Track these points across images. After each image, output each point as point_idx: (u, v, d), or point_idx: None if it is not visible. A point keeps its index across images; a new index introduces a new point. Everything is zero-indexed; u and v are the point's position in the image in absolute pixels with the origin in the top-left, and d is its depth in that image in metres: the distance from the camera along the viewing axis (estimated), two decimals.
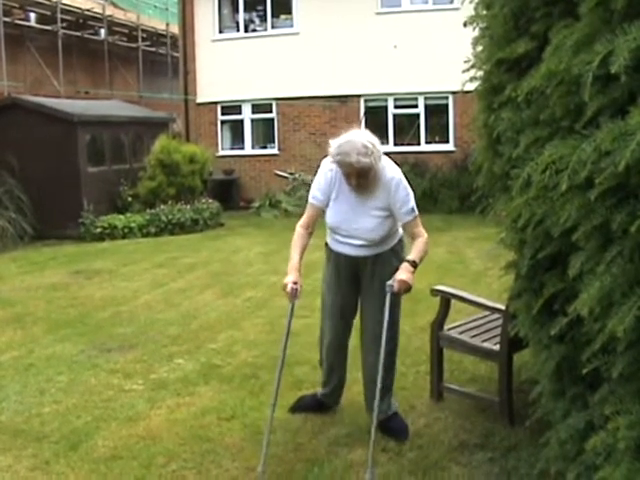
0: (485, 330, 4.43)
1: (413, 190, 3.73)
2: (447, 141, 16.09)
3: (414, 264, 3.51)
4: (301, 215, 3.85)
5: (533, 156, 2.03)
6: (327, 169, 3.59)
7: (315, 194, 3.65)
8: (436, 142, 16.27)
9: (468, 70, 2.98)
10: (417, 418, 4.13)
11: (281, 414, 4.27)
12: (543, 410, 2.70)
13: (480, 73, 2.92)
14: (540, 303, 2.38)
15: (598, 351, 1.88)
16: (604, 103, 1.73)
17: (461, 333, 4.43)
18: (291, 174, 15.81)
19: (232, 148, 17.69)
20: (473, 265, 9.03)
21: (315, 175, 3.80)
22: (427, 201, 14.33)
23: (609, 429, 1.83)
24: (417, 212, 3.59)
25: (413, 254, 3.54)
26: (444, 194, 14.69)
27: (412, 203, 3.57)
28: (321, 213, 3.70)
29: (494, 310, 4.26)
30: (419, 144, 16.13)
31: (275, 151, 17.08)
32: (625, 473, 1.80)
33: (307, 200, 3.82)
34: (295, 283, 3.46)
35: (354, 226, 3.59)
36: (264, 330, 6.31)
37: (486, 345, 4.19)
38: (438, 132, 16.34)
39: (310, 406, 4.22)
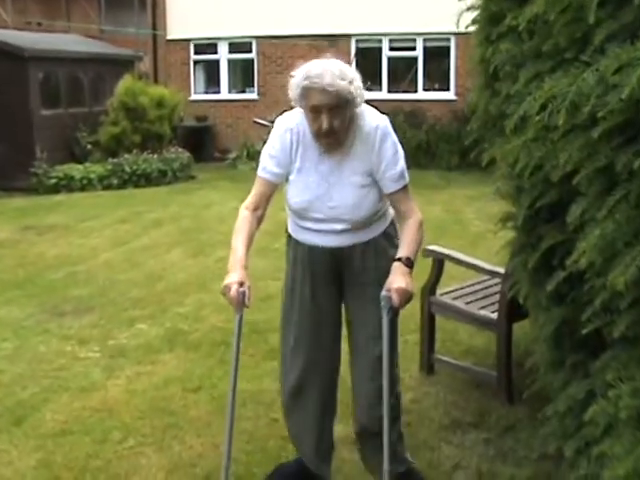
0: (482, 296, 4.37)
1: (405, 145, 3.18)
2: (447, 89, 15.76)
3: (409, 262, 2.90)
4: None
5: (532, 91, 1.98)
6: (284, 129, 2.99)
7: (267, 165, 3.01)
8: (435, 90, 15.95)
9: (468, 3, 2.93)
10: (404, 392, 3.97)
11: (253, 385, 4.21)
12: (541, 382, 2.67)
13: (479, 1, 2.85)
14: (537, 257, 2.34)
15: (600, 310, 1.86)
16: (614, 29, 1.69)
17: (455, 299, 4.37)
18: (272, 122, 14.39)
19: (206, 92, 17.43)
20: (472, 226, 8.98)
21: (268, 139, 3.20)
22: (423, 155, 14.23)
23: (610, 397, 1.82)
24: (408, 179, 3.02)
25: (405, 247, 2.93)
26: (442, 148, 14.39)
27: (402, 165, 2.96)
28: (274, 189, 3.10)
29: (492, 274, 4.20)
30: (416, 91, 15.87)
31: (254, 96, 16.78)
32: (627, 446, 1.79)
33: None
34: (241, 284, 2.79)
35: (329, 204, 2.96)
36: None
37: (483, 313, 4.13)
38: (438, 78, 16.00)
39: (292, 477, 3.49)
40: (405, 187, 2.97)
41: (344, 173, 2.92)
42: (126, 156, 13.33)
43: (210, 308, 5.88)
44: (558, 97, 1.79)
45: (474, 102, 3.10)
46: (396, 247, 3.02)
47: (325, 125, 2.75)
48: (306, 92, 2.74)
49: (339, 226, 2.98)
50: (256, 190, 3.04)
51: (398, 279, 2.81)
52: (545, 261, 2.40)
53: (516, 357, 4.12)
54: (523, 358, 3.95)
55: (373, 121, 2.92)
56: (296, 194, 2.99)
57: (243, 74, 17.24)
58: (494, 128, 2.83)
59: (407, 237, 2.93)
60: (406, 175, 2.96)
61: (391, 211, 3.10)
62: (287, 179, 3.01)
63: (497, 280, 4.22)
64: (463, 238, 8.23)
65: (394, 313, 2.93)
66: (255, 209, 3.00)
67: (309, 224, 3.02)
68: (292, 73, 2.80)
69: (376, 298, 2.89)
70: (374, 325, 2.94)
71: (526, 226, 2.54)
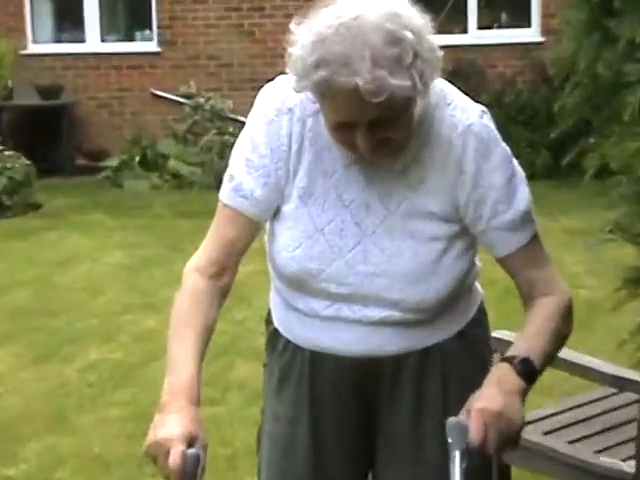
0: (602, 428, 3.45)
1: None
2: (525, 23, 10.91)
3: (525, 368, 1.99)
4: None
5: None
6: (275, 110, 2.15)
7: (244, 181, 2.16)
8: (501, 26, 11.39)
9: None
10: None
11: None
12: None
13: None
14: None
15: None
16: None
17: (549, 434, 3.42)
18: (188, 97, 10.73)
19: (58, 40, 11.52)
20: (579, 289, 6.59)
21: (245, 126, 2.19)
22: None
23: None
24: (537, 224, 2.22)
25: (524, 342, 2.08)
26: (519, 138, 9.25)
27: (524, 197, 2.14)
28: (255, 234, 2.23)
29: (620, 384, 3.39)
30: (465, 31, 10.89)
31: (153, 46, 11.18)
32: None
33: (220, 183, 2.21)
34: (191, 442, 1.86)
35: (362, 267, 2.12)
36: (133, 434, 4.35)
37: (606, 461, 3.22)
38: (507, 5, 11.62)
39: None
40: (535, 240, 2.17)
41: (398, 211, 2.14)
42: None
43: (71, 465, 4.13)
44: None
45: (567, 55, 2.66)
46: (490, 354, 2.41)
47: (364, 147, 1.95)
48: (323, 89, 1.91)
49: (377, 312, 2.16)
50: (220, 234, 2.18)
51: (488, 395, 1.93)
52: None
53: None
54: None
55: (458, 117, 2.07)
56: (295, 245, 2.16)
57: (128, 4, 11.92)
58: (607, 108, 2.55)
59: (533, 327, 2.09)
60: (532, 216, 2.17)
61: (478, 285, 2.37)
62: (276, 213, 2.19)
63: (631, 396, 3.42)
64: None
65: (475, 460, 1.93)
66: (218, 274, 2.15)
67: (316, 304, 2.18)
68: (295, 25, 1.93)
69: (443, 467, 1.96)
70: None
71: None
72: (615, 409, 3.63)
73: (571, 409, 3.72)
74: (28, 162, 9.26)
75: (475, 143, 2.03)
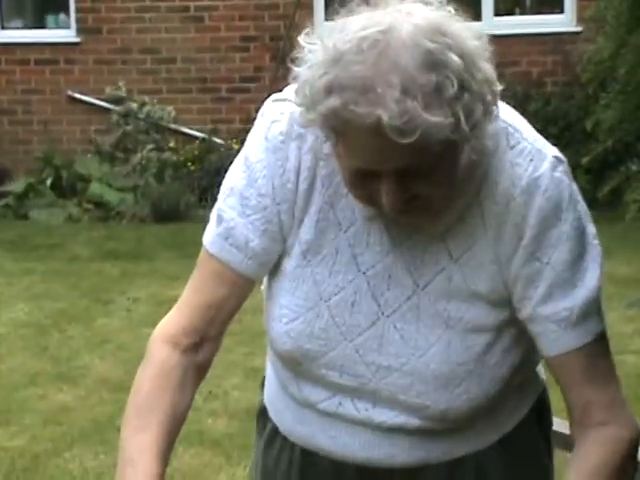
0: None
1: None
2: (557, 9, 10.66)
3: None
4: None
5: None
6: (280, 137, 2.16)
7: (234, 226, 2.20)
8: (525, 12, 11.12)
9: None
10: None
11: None
12: None
13: None
14: None
15: None
16: None
17: None
18: (115, 102, 10.53)
19: None
20: (627, 354, 6.77)
21: (239, 154, 2.25)
22: None
23: None
24: (605, 321, 2.23)
25: None
26: None
27: (594, 283, 2.15)
28: (246, 294, 2.24)
29: None
30: (479, 18, 10.32)
31: (70, 35, 10.89)
32: None
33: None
34: None
35: (378, 359, 2.21)
36: None
37: None
38: None
39: None
40: (599, 341, 2.13)
41: (431, 287, 2.15)
42: None
43: None
44: None
45: (607, 54, 2.92)
46: (550, 455, 2.43)
47: (389, 205, 1.98)
48: (335, 124, 1.89)
49: (391, 416, 2.18)
50: (201, 293, 2.20)
51: None
52: None
53: None
54: None
55: (523, 166, 2.09)
56: (292, 315, 2.19)
57: None
58: None
59: (588, 467, 2.10)
60: (601, 311, 2.13)
61: (541, 371, 2.40)
62: (274, 271, 2.22)
63: None
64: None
65: None
66: (195, 345, 2.17)
67: (313, 394, 2.20)
68: (304, 37, 1.91)
69: None
70: None
71: None
72: None
73: None
74: None
75: (541, 201, 2.01)
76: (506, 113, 2.13)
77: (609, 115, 2.79)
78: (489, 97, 1.90)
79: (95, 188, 10.16)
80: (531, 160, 2.04)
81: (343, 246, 2.13)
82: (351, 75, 1.80)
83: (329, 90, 1.80)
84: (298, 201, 2.09)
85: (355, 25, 1.84)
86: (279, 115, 2.08)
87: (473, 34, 1.91)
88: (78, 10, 10.86)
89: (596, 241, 2.11)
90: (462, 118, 1.83)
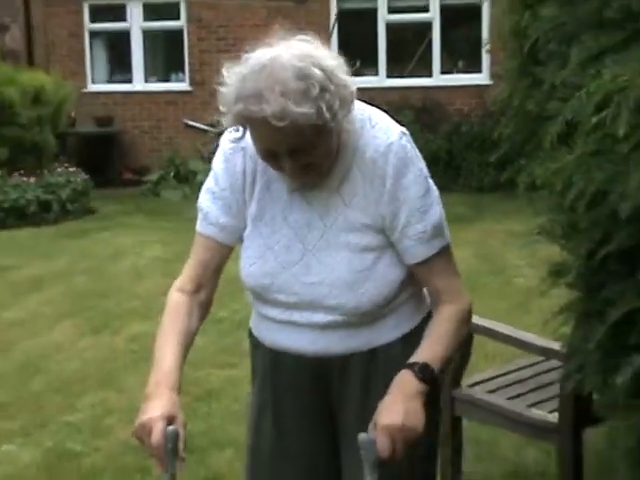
0: (534, 387, 3.98)
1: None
2: (477, 69, 13.70)
3: (426, 375, 2.27)
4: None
5: (589, 78, 1.86)
6: (232, 148, 2.45)
7: (210, 212, 2.47)
8: (459, 71, 14.11)
9: None
10: None
11: None
12: None
13: None
14: (604, 331, 2.15)
15: None
16: None
17: (492, 392, 3.97)
18: (212, 126, 12.18)
19: (110, 80, 15.13)
20: (518, 278, 8.37)
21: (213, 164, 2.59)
22: (442, 172, 12.30)
23: None
24: (448, 237, 2.46)
25: (426, 348, 2.32)
26: (471, 160, 12.86)
27: (437, 213, 2.37)
28: (226, 254, 2.54)
29: (547, 353, 3.78)
30: (430, 75, 13.83)
31: (185, 86, 14.57)
32: None
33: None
34: (170, 421, 2.18)
35: (306, 279, 2.40)
36: None
37: (536, 413, 3.75)
38: (463, 54, 14.22)
39: None
40: (443, 252, 2.38)
41: (335, 226, 2.39)
42: None
43: (118, 415, 5.14)
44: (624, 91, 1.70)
45: (505, 95, 3.00)
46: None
47: (290, 171, 2.25)
48: (242, 121, 2.20)
49: (322, 317, 2.40)
50: (196, 257, 2.50)
51: (391, 407, 2.18)
52: (617, 337, 2.19)
53: None
54: None
55: (380, 138, 2.32)
56: (250, 262, 2.43)
57: (167, 53, 15.12)
58: (534, 136, 2.69)
59: (436, 331, 2.32)
60: (445, 230, 2.39)
61: (427, 295, 2.53)
62: (241, 235, 2.46)
63: (556, 363, 3.79)
64: (504, 297, 7.63)
65: (385, 467, 2.16)
66: (196, 290, 2.48)
67: (273, 311, 2.45)
68: (225, 69, 2.19)
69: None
70: None
71: (586, 284, 2.39)
72: (543, 373, 4.18)
73: (509, 372, 4.28)
74: (86, 176, 12.43)
75: (394, 160, 2.27)
76: (370, 108, 2.43)
77: (507, 131, 3.22)
78: (347, 95, 2.16)
79: (200, 178, 12.48)
80: (385, 134, 2.29)
81: (277, 213, 2.40)
82: (249, 88, 2.07)
83: (236, 100, 2.09)
84: (246, 190, 2.40)
85: (254, 57, 2.13)
86: (230, 135, 2.40)
87: (332, 57, 2.18)
88: (190, 70, 14.71)
89: (434, 187, 2.38)
90: (324, 109, 2.09)
